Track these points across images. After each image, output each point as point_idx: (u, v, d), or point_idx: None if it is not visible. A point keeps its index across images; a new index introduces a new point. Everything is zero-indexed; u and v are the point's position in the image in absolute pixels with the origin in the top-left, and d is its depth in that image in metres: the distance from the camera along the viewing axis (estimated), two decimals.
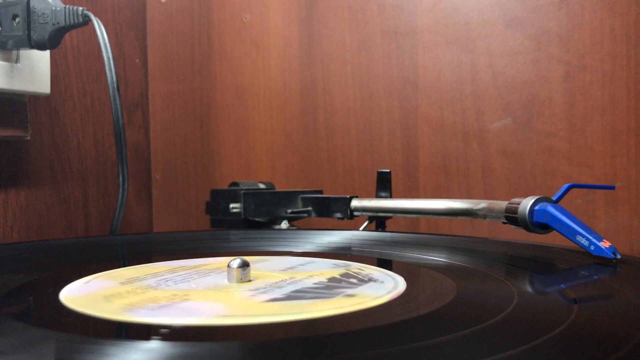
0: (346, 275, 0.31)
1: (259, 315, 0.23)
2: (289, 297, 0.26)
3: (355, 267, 0.33)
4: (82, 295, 0.27)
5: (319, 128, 0.64)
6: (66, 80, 0.59)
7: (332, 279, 0.30)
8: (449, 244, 0.40)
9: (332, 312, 0.23)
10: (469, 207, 0.43)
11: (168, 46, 0.71)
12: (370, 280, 0.29)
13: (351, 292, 0.27)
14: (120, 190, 0.51)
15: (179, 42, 0.71)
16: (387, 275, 0.30)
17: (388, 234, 0.44)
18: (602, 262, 0.32)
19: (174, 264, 0.34)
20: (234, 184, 0.58)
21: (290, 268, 0.33)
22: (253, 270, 0.31)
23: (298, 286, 0.28)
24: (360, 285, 0.28)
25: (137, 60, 0.70)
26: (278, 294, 0.27)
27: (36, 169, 0.56)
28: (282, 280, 0.29)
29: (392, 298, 0.26)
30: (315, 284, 0.29)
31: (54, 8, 0.45)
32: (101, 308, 0.24)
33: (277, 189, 0.59)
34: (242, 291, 0.27)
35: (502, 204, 0.39)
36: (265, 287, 0.28)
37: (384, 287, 0.28)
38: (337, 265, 0.33)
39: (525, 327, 0.21)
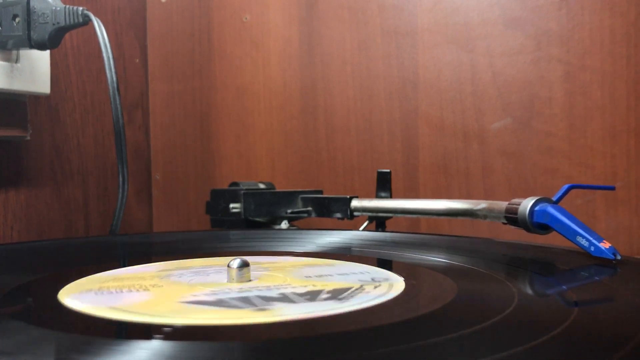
0: (342, 290, 0.27)
1: (160, 315, 0.23)
2: (217, 303, 0.25)
3: (369, 284, 0.29)
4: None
5: (319, 128, 0.64)
6: (66, 80, 0.59)
7: (314, 292, 0.27)
8: (449, 245, 0.40)
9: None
10: (469, 207, 0.43)
11: (168, 46, 0.71)
12: (344, 298, 0.26)
13: (273, 307, 0.24)
14: (120, 190, 0.51)
15: (179, 42, 0.71)
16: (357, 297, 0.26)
17: (388, 234, 0.44)
18: (602, 263, 0.32)
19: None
20: (234, 184, 0.58)
21: (319, 276, 0.30)
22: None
23: (262, 293, 0.27)
24: (314, 302, 0.25)
25: (137, 60, 0.70)
26: (219, 297, 0.26)
27: (36, 169, 0.56)
28: (273, 285, 0.29)
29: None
30: (281, 293, 0.27)
31: (54, 8, 0.45)
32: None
33: (277, 189, 0.59)
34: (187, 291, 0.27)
35: (502, 205, 0.39)
36: (232, 290, 0.27)
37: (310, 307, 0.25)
38: (362, 280, 0.30)
39: (526, 328, 0.21)
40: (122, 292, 0.27)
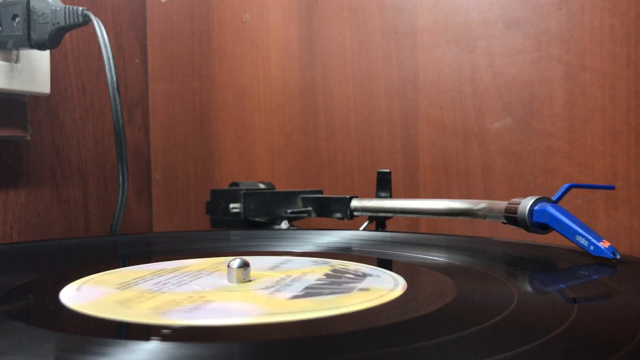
0: (336, 271, 0.31)
1: (297, 312, 0.23)
2: (308, 294, 0.26)
3: (336, 263, 0.34)
4: (91, 302, 0.26)
5: (319, 128, 0.64)
6: (66, 80, 0.59)
7: (328, 275, 0.30)
8: (449, 244, 0.40)
9: (362, 307, 0.24)
10: (468, 207, 0.43)
11: (168, 46, 0.71)
12: (365, 275, 0.30)
13: (362, 286, 0.28)
14: (120, 190, 0.51)
15: (179, 42, 0.71)
16: (375, 269, 0.32)
17: (388, 234, 0.44)
18: (601, 262, 0.32)
19: (154, 267, 0.34)
20: (234, 184, 0.58)
21: (275, 267, 0.33)
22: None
23: (304, 284, 0.28)
24: (362, 279, 0.29)
25: (137, 60, 0.70)
26: (295, 291, 0.27)
27: (36, 169, 0.56)
28: (282, 279, 0.29)
29: (394, 296, 0.26)
30: (317, 280, 0.29)
31: (53, 8, 0.45)
32: (126, 313, 0.23)
33: (277, 189, 0.59)
34: (256, 290, 0.27)
35: (502, 204, 0.39)
36: (273, 286, 0.28)
37: (384, 281, 0.29)
38: (317, 263, 0.34)
39: (526, 327, 0.21)
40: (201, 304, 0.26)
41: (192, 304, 0.25)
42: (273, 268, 0.33)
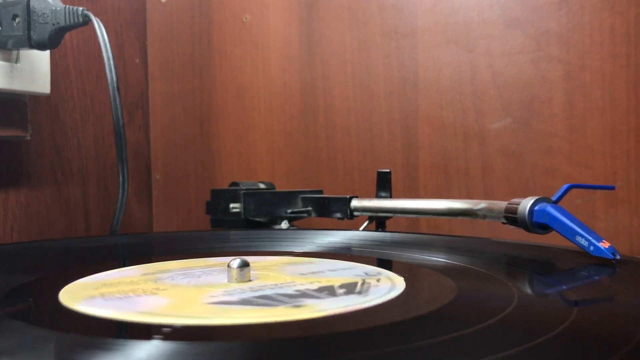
0: (352, 285, 0.28)
1: (193, 317, 0.23)
2: (242, 302, 0.25)
3: (369, 277, 0.30)
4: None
5: (319, 128, 0.64)
6: (66, 80, 0.59)
7: (328, 288, 0.28)
8: (449, 244, 0.40)
9: (259, 320, 0.22)
10: (468, 207, 0.43)
11: (168, 46, 0.71)
12: (361, 292, 0.27)
13: (306, 303, 0.25)
14: (120, 190, 0.51)
15: (179, 42, 0.71)
16: (395, 287, 0.28)
17: (388, 234, 0.44)
18: (601, 262, 0.32)
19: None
20: (234, 184, 0.58)
21: (313, 273, 0.31)
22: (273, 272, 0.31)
23: (279, 291, 0.27)
24: (337, 297, 0.26)
25: (137, 60, 0.70)
26: (240, 297, 0.26)
27: (36, 169, 0.56)
28: (279, 284, 0.29)
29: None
30: (297, 290, 0.27)
31: (54, 8, 0.45)
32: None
33: (277, 189, 0.59)
34: (206, 293, 0.27)
35: (502, 204, 0.39)
36: (244, 290, 0.27)
37: (358, 300, 0.25)
38: (357, 274, 0.31)
39: (525, 328, 0.21)
40: (131, 296, 0.26)
41: (122, 295, 0.26)
42: (309, 274, 0.31)
